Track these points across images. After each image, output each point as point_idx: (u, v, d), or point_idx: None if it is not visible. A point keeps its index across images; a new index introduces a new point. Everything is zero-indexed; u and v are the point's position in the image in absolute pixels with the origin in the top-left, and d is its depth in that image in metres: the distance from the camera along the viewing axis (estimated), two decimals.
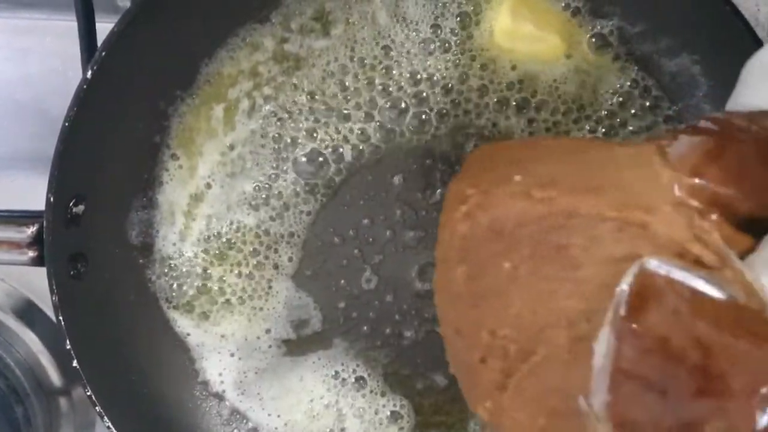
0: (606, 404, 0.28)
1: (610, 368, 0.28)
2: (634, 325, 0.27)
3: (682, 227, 0.29)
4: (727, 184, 0.30)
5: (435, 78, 0.46)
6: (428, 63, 0.46)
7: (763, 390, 0.25)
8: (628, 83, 0.45)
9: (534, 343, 0.32)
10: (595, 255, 0.31)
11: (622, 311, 0.28)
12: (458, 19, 0.46)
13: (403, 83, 0.46)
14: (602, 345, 0.28)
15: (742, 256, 0.29)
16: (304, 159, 0.47)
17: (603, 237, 0.31)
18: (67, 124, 0.40)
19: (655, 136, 0.33)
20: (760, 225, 0.30)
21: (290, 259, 0.48)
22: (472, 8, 0.46)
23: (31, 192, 0.54)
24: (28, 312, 0.58)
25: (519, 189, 0.33)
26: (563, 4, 0.45)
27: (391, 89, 0.47)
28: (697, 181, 0.30)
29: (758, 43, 0.40)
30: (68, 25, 0.54)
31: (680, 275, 0.28)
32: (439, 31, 0.46)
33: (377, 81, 0.47)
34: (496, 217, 0.33)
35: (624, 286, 0.28)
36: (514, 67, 0.46)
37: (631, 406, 0.27)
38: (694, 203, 0.30)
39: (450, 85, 0.46)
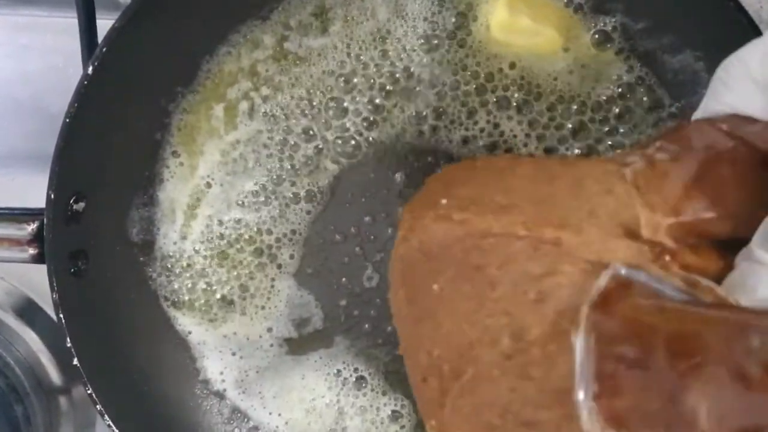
0: (594, 394, 0.28)
1: (593, 357, 0.28)
2: (605, 311, 0.28)
3: (635, 254, 0.31)
4: (706, 210, 0.31)
5: (434, 74, 0.46)
6: (427, 59, 0.46)
7: (744, 343, 0.26)
8: (631, 80, 0.45)
9: (464, 362, 0.33)
10: (511, 273, 0.32)
11: (595, 302, 0.29)
12: (456, 14, 0.46)
13: (402, 80, 0.46)
14: (579, 341, 0.29)
15: (717, 274, 0.30)
16: (304, 158, 0.47)
17: (517, 255, 0.32)
18: (67, 120, 0.40)
19: (623, 154, 0.33)
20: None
21: (291, 257, 0.48)
22: (469, 3, 0.45)
23: (31, 189, 0.53)
24: (27, 310, 0.58)
25: (442, 212, 0.34)
26: (566, 0, 0.45)
27: (390, 86, 0.47)
28: (677, 219, 0.31)
29: None
30: (68, 21, 0.54)
31: (650, 281, 0.29)
32: (437, 27, 0.46)
33: (376, 78, 0.46)
34: (423, 240, 0.35)
35: (599, 286, 0.29)
36: (512, 65, 0.46)
37: (618, 391, 0.28)
38: (668, 242, 0.31)
39: (449, 82, 0.46)
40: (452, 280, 0.34)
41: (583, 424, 0.28)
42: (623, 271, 0.30)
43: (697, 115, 0.33)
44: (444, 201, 0.35)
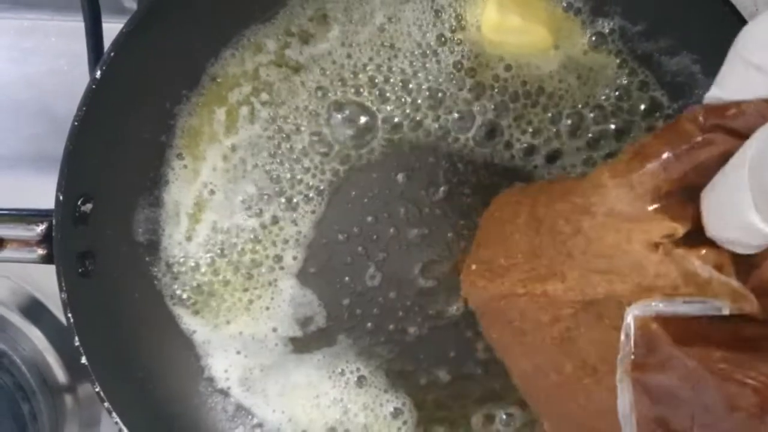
0: None
1: (635, 416, 0.30)
2: (642, 376, 0.30)
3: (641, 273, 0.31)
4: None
5: (431, 77, 0.47)
6: (423, 63, 0.46)
7: None
8: (629, 81, 0.46)
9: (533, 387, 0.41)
10: (530, 323, 0.37)
11: (628, 365, 0.30)
12: (449, 17, 0.46)
13: (400, 83, 0.47)
14: (622, 395, 0.30)
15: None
16: (305, 161, 0.48)
17: (526, 310, 0.37)
18: (76, 123, 0.40)
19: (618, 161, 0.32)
20: None
21: (295, 258, 0.49)
22: (461, 5, 0.46)
23: (37, 191, 0.54)
24: (33, 309, 0.59)
25: (471, 278, 0.40)
26: (564, 4, 0.45)
27: (388, 90, 0.47)
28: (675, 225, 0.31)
29: None
30: (72, 25, 0.55)
31: (667, 308, 0.30)
32: (431, 31, 0.46)
33: (375, 82, 0.47)
34: (473, 300, 0.42)
35: (623, 337, 0.31)
36: (508, 67, 0.46)
37: None
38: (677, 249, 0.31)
39: (446, 84, 0.47)
40: (499, 331, 0.41)
41: None
42: (637, 312, 0.31)
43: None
44: (473, 267, 0.40)
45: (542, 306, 0.36)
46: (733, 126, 0.28)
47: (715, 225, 0.28)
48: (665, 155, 0.29)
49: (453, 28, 0.46)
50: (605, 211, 0.31)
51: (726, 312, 0.29)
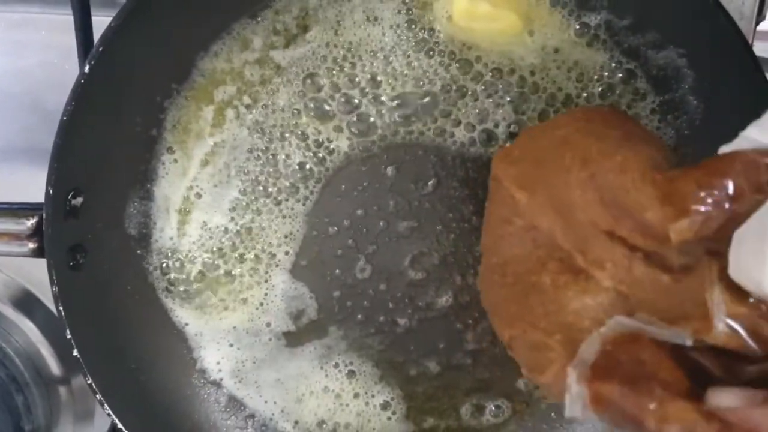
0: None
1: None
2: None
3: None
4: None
5: (413, 72, 0.46)
6: (404, 59, 0.46)
7: None
8: (615, 74, 0.46)
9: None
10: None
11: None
12: (422, 10, 0.46)
13: (384, 80, 0.47)
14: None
15: None
16: (295, 156, 0.48)
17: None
18: (65, 118, 0.40)
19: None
20: None
21: (287, 253, 0.49)
22: None
23: (27, 185, 0.54)
24: (26, 302, 0.59)
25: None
26: None
27: (373, 88, 0.47)
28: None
29: (741, 37, 0.41)
30: (63, 18, 0.54)
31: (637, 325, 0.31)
32: (407, 27, 0.46)
33: (358, 79, 0.47)
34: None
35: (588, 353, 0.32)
36: (491, 60, 0.46)
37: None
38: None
39: (428, 78, 0.47)
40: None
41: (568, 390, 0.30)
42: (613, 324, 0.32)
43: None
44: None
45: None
46: None
47: (737, 271, 0.27)
48: (704, 209, 0.28)
49: (428, 22, 0.46)
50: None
51: (689, 343, 0.30)
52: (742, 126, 0.41)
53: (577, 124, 0.38)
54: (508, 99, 0.46)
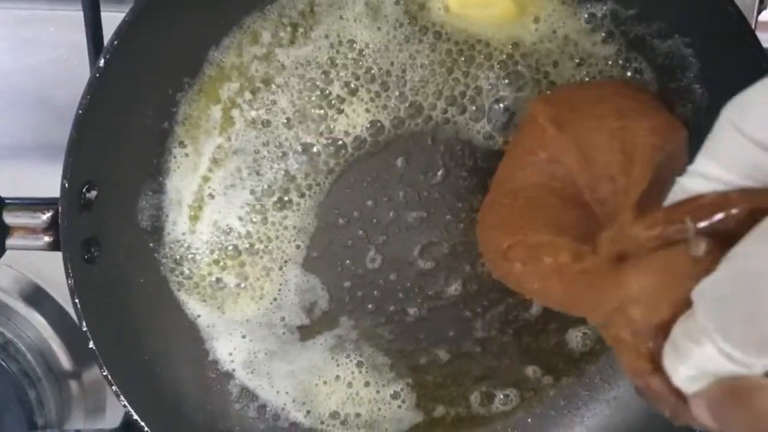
0: None
1: None
2: None
3: None
4: None
5: (416, 63, 0.47)
6: (406, 51, 0.47)
7: None
8: (620, 63, 0.46)
9: None
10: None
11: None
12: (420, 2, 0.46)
13: (392, 71, 0.47)
14: None
15: None
16: (303, 152, 0.48)
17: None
18: (80, 111, 0.41)
19: None
20: None
21: (298, 247, 0.49)
22: None
23: (38, 179, 0.55)
24: (37, 297, 0.59)
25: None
26: None
27: (375, 79, 0.47)
28: None
29: (747, 25, 0.41)
30: (71, 14, 0.55)
31: None
32: (412, 17, 0.46)
33: (362, 72, 0.47)
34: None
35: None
36: (498, 48, 0.46)
37: None
38: None
39: (432, 68, 0.47)
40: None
41: None
42: None
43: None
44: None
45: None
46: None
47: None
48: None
49: (428, 15, 0.46)
50: None
51: None
52: None
53: (613, 87, 0.42)
54: (514, 87, 0.47)
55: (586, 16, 0.46)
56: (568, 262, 0.35)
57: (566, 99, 0.42)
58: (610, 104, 0.40)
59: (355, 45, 0.47)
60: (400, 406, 0.51)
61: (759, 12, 0.51)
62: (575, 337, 0.51)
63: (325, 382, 0.51)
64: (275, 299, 0.50)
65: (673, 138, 0.38)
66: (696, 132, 0.45)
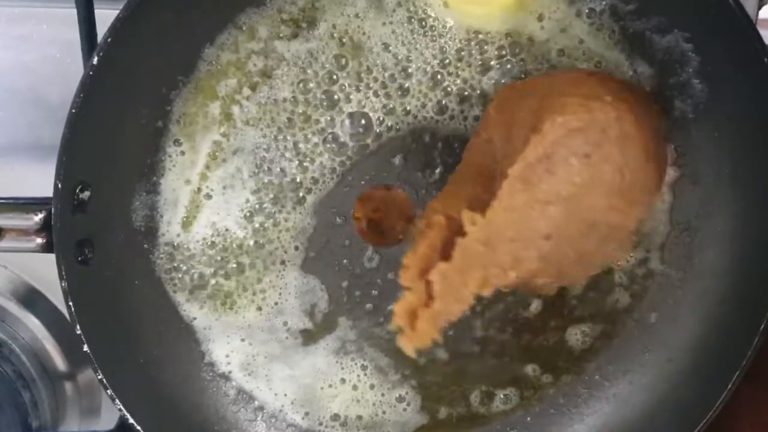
0: None
1: None
2: None
3: None
4: None
5: (419, 60, 0.47)
6: (408, 48, 0.46)
7: None
8: (619, 58, 0.46)
9: None
10: None
11: None
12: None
13: (390, 70, 0.47)
14: None
15: None
16: (301, 150, 0.48)
17: None
18: (74, 110, 0.40)
19: None
20: None
21: (297, 249, 0.49)
22: None
23: (30, 180, 0.54)
24: (31, 298, 0.59)
25: None
26: None
27: (379, 78, 0.47)
28: None
29: (748, 20, 0.41)
30: (65, 12, 0.54)
31: None
32: (412, 14, 0.46)
33: (362, 69, 0.47)
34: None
35: None
36: (499, 46, 0.46)
37: None
38: None
39: (437, 68, 0.47)
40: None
41: None
42: None
43: None
44: None
45: None
46: None
47: None
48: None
49: (428, 11, 0.46)
50: None
51: None
52: (747, 109, 0.41)
53: (567, 75, 0.45)
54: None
55: (587, 11, 0.45)
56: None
57: (525, 87, 0.44)
58: (551, 87, 0.42)
59: (356, 41, 0.46)
60: (405, 409, 0.51)
61: (760, 7, 0.51)
62: (574, 335, 0.51)
63: (330, 385, 0.50)
64: (276, 303, 0.49)
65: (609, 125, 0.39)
66: (694, 126, 0.46)
